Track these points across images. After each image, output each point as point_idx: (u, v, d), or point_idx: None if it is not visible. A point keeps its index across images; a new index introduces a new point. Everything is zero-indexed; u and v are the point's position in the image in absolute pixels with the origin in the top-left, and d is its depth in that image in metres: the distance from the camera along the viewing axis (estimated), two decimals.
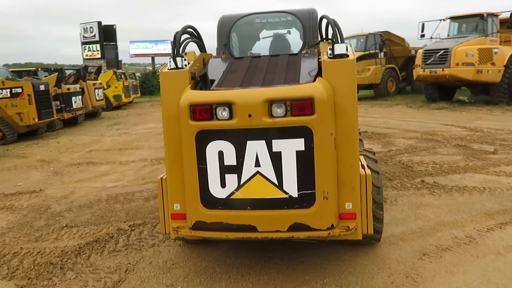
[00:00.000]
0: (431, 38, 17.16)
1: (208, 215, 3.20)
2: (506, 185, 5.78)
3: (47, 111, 12.42)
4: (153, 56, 38.60)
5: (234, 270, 3.71)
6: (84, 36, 31.60)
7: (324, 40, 3.32)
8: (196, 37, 3.80)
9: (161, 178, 3.46)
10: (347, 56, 3.13)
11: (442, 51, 15.45)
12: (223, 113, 2.99)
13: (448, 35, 16.99)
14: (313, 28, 4.07)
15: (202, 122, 3.04)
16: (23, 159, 9.35)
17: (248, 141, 3.02)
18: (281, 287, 3.43)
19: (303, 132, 2.96)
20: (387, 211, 4.93)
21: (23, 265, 4.03)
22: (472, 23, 16.20)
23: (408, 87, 22.95)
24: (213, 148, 3.07)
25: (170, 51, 38.94)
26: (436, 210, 4.96)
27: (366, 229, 3.25)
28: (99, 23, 31.33)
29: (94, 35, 31.35)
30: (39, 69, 19.07)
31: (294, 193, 3.06)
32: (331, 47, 3.16)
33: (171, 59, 3.33)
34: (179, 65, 3.33)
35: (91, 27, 31.21)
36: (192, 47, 3.82)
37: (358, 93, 20.28)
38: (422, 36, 17.12)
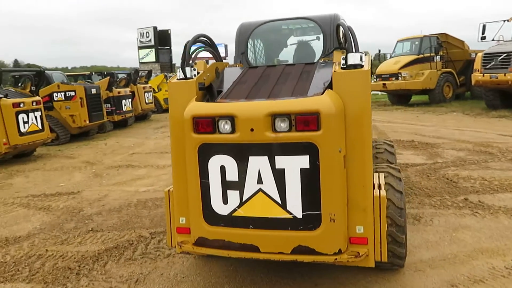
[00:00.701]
0: (493, 40, 15.98)
1: (210, 232, 3.08)
2: None
3: (98, 113, 13.00)
4: (207, 60, 39.31)
5: None
6: (140, 41, 32.94)
7: (339, 49, 3.09)
8: (210, 46, 3.71)
9: (168, 191, 3.39)
10: (361, 66, 2.88)
11: (505, 54, 14.30)
12: (225, 126, 2.87)
13: None
14: (334, 35, 3.84)
15: (204, 135, 2.94)
16: (70, 160, 9.82)
17: (250, 157, 2.87)
18: None
19: (308, 149, 2.76)
20: (419, 232, 4.55)
21: (44, 268, 4.14)
22: None
23: (468, 93, 21.54)
24: (215, 163, 2.95)
25: (224, 54, 39.66)
26: (476, 234, 4.49)
27: (380, 255, 2.98)
28: (155, 28, 32.53)
29: (150, 40, 32.59)
30: (93, 73, 20.07)
31: (299, 214, 2.87)
32: (344, 56, 2.93)
33: (180, 69, 3.27)
34: (188, 75, 3.26)
35: (147, 32, 32.47)
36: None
37: (411, 98, 19.38)
38: (483, 38, 15.99)
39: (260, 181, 2.88)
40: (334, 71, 2.90)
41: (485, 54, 15.15)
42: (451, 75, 19.97)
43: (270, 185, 2.87)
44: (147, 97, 17.24)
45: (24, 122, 9.38)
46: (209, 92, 3.18)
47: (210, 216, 3.05)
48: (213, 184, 2.98)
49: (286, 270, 3.75)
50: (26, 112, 9.44)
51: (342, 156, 2.82)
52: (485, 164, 7.56)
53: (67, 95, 12.28)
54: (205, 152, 2.96)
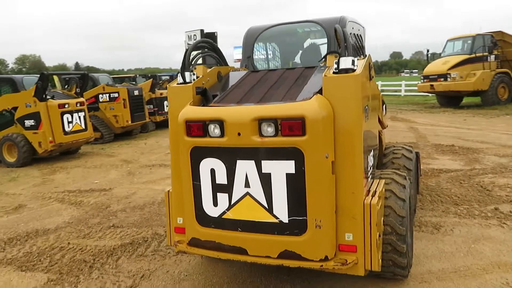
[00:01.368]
0: None
1: (202, 233, 3.15)
2: None
3: (140, 114, 13.55)
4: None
5: None
6: (188, 44, 33.70)
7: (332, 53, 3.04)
8: (213, 51, 3.77)
9: (168, 191, 3.50)
10: (353, 71, 2.83)
11: None
12: (215, 130, 2.92)
13: None
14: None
15: (196, 138, 3.01)
16: (109, 158, 10.32)
17: (238, 160, 2.90)
18: None
19: (294, 154, 2.75)
20: (435, 242, 4.35)
21: (63, 260, 4.41)
22: None
23: None
24: (206, 165, 3.01)
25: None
26: (497, 246, 4.22)
27: (369, 264, 2.90)
28: (202, 30, 33.03)
29: None
30: (138, 75, 20.88)
31: (285, 219, 2.86)
32: (337, 60, 2.89)
33: (179, 74, 3.37)
34: (187, 80, 3.34)
35: (194, 34, 33.12)
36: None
37: (462, 100, 18.40)
38: None
39: (247, 184, 2.91)
40: (324, 76, 2.86)
41: None
42: (507, 75, 18.72)
43: (257, 189, 2.89)
44: None
45: (69, 122, 9.99)
46: (204, 96, 3.24)
47: (202, 218, 3.11)
48: (204, 186, 3.05)
49: (286, 274, 3.74)
50: (71, 113, 10.04)
51: (329, 162, 2.78)
52: None
53: (111, 96, 12.92)
54: (197, 155, 3.03)
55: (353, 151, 2.82)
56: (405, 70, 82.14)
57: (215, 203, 3.03)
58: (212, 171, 2.99)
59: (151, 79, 15.29)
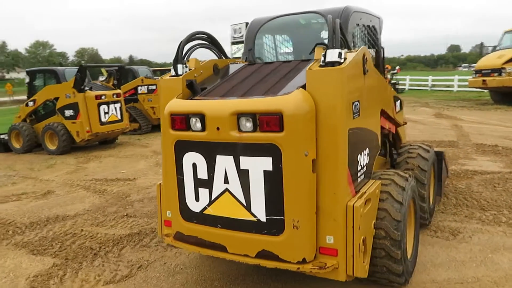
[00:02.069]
0: None
1: (185, 227, 3.12)
2: None
3: None
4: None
5: (229, 286, 3.54)
6: (233, 37, 33.91)
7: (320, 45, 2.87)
8: (212, 43, 3.70)
9: (159, 184, 3.51)
10: (339, 64, 2.66)
11: None
12: (196, 124, 2.87)
13: None
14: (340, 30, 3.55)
15: (179, 132, 2.98)
16: (142, 149, 10.61)
17: (217, 156, 2.84)
18: None
19: (271, 151, 2.64)
20: (448, 249, 4.06)
21: (72, 246, 4.58)
22: None
23: None
24: (188, 160, 2.98)
25: None
26: None
27: (351, 269, 2.73)
28: (247, 23, 33.17)
29: (242, 35, 33.31)
30: None
31: (262, 217, 2.76)
32: (324, 53, 2.73)
33: (172, 66, 3.34)
34: (180, 72, 3.31)
35: (239, 27, 33.29)
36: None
37: None
38: None
39: (226, 181, 2.83)
40: (308, 69, 2.72)
41: None
42: None
43: (235, 186, 2.81)
44: None
45: (105, 113, 10.36)
46: (190, 89, 3.19)
47: (185, 212, 3.08)
48: (187, 180, 3.01)
49: (281, 275, 3.64)
50: (107, 104, 10.41)
51: (309, 160, 2.64)
52: None
53: (149, 88, 13.26)
54: (180, 149, 3.00)
55: (336, 149, 2.66)
56: (462, 64, 77.65)
57: (197, 198, 2.99)
58: (194, 166, 2.95)
59: None
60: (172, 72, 3.34)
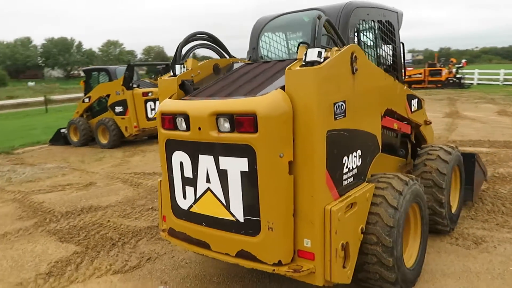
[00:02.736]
0: None
1: (176, 224, 3.22)
2: None
3: None
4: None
5: (227, 283, 3.60)
6: None
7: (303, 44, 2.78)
8: (215, 43, 3.74)
9: (160, 181, 3.63)
10: (319, 63, 2.59)
11: None
12: (182, 124, 2.94)
13: None
14: (340, 27, 3.42)
15: (168, 131, 3.07)
16: None
17: (199, 155, 2.89)
18: None
19: (246, 152, 2.64)
20: (465, 258, 3.80)
21: (96, 236, 4.88)
22: None
23: None
24: (176, 158, 3.06)
25: None
26: None
27: (329, 274, 2.66)
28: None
29: None
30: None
31: (241, 217, 2.78)
32: (306, 52, 2.67)
33: (170, 67, 3.44)
34: (177, 73, 3.41)
35: None
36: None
37: None
38: None
39: (208, 180, 2.87)
40: (288, 69, 2.67)
41: None
42: None
43: (216, 185, 2.84)
44: None
45: (152, 109, 10.84)
46: (182, 89, 3.26)
47: (176, 209, 3.18)
48: (176, 178, 3.10)
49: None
50: (154, 100, 10.87)
51: (285, 161, 2.60)
52: None
53: None
54: (170, 148, 3.09)
55: (312, 151, 2.60)
56: None
57: (184, 196, 3.07)
58: (181, 164, 3.03)
59: None
60: (171, 73, 3.44)
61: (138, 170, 8.25)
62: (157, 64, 13.32)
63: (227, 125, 2.70)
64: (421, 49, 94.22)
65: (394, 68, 4.31)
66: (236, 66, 3.71)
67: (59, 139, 12.18)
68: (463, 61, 29.72)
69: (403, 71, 4.35)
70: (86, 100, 11.77)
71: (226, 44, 3.83)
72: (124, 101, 10.66)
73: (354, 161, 2.97)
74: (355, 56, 2.86)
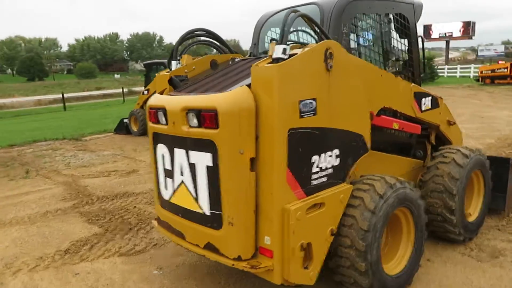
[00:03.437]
0: None
1: (161, 213, 3.38)
2: None
3: None
4: None
5: (216, 275, 3.70)
6: None
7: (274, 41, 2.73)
8: (214, 39, 3.81)
9: None
10: (283, 60, 2.56)
11: None
12: (162, 118, 3.07)
13: None
14: (331, 22, 3.28)
15: (154, 124, 3.22)
16: None
17: (175, 148, 3.00)
18: None
19: (210, 147, 2.70)
20: (473, 271, 3.52)
21: (118, 220, 5.24)
22: None
23: None
24: (159, 151, 3.20)
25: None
26: None
27: (288, 273, 2.64)
28: None
29: None
30: None
31: (207, 211, 2.85)
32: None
33: (167, 63, 3.59)
34: (173, 69, 3.55)
35: None
36: None
37: None
38: None
39: (182, 173, 2.97)
40: (254, 66, 2.66)
41: None
42: None
43: (188, 179, 2.93)
44: None
45: None
46: (171, 85, 3.38)
47: (161, 199, 3.33)
48: (159, 169, 3.25)
49: None
50: None
51: (246, 158, 2.62)
52: None
53: None
54: (155, 140, 3.24)
55: (272, 149, 2.57)
56: None
57: (166, 187, 3.20)
58: (163, 157, 3.16)
59: None
60: (168, 68, 3.59)
61: None
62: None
63: (195, 121, 2.77)
64: None
65: (410, 64, 4.07)
66: (231, 62, 3.76)
67: (122, 128, 13.10)
68: None
69: (420, 66, 4.09)
70: (146, 92, 12.50)
71: None
72: None
73: (329, 161, 2.89)
74: (330, 53, 2.76)
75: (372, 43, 3.69)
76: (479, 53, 55.13)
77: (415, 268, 3.32)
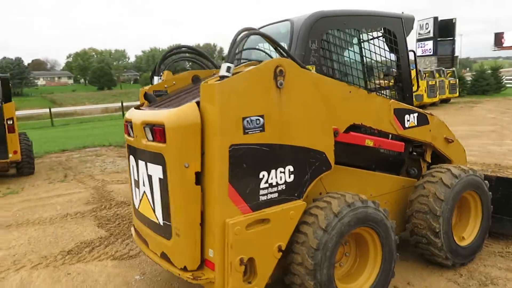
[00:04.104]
0: None
1: (134, 221, 3.56)
2: None
3: None
4: None
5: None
6: (419, 33, 31.27)
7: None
8: (198, 55, 3.95)
9: None
10: (225, 78, 2.64)
11: None
12: (130, 131, 3.26)
13: None
14: (299, 38, 3.26)
15: (127, 137, 3.41)
16: None
17: (139, 160, 3.16)
18: None
19: (160, 160, 2.83)
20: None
21: (124, 225, 5.52)
22: None
23: None
24: (130, 162, 3.39)
25: None
26: None
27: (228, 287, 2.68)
28: (435, 18, 30.11)
29: (429, 31, 30.43)
30: None
31: (161, 221, 2.97)
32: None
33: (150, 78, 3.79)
34: (154, 83, 3.75)
35: (426, 23, 30.47)
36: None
37: None
38: None
39: (144, 183, 3.13)
40: (204, 83, 2.76)
41: None
42: None
43: (148, 189, 3.07)
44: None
45: None
46: (146, 99, 3.55)
47: (134, 208, 3.51)
48: (132, 179, 3.43)
49: None
50: None
51: (191, 172, 2.71)
52: None
53: None
54: (128, 151, 3.44)
55: (213, 164, 2.65)
56: None
57: (135, 196, 3.38)
58: (132, 167, 3.34)
59: None
60: (151, 83, 3.79)
61: None
62: None
63: (150, 135, 2.92)
64: None
65: (403, 78, 3.94)
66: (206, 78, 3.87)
67: None
68: None
69: (410, 81, 3.95)
70: None
71: None
72: None
73: (281, 177, 2.89)
74: (281, 70, 2.79)
75: (350, 59, 3.63)
76: None
77: None
